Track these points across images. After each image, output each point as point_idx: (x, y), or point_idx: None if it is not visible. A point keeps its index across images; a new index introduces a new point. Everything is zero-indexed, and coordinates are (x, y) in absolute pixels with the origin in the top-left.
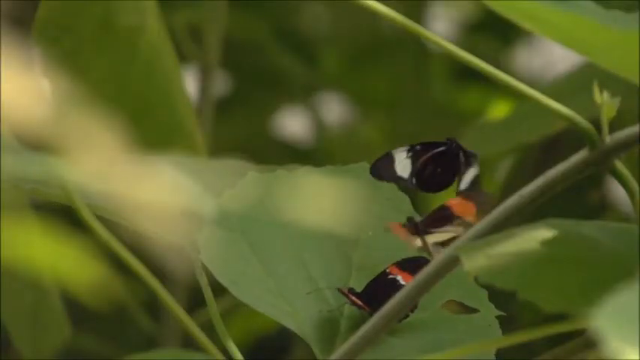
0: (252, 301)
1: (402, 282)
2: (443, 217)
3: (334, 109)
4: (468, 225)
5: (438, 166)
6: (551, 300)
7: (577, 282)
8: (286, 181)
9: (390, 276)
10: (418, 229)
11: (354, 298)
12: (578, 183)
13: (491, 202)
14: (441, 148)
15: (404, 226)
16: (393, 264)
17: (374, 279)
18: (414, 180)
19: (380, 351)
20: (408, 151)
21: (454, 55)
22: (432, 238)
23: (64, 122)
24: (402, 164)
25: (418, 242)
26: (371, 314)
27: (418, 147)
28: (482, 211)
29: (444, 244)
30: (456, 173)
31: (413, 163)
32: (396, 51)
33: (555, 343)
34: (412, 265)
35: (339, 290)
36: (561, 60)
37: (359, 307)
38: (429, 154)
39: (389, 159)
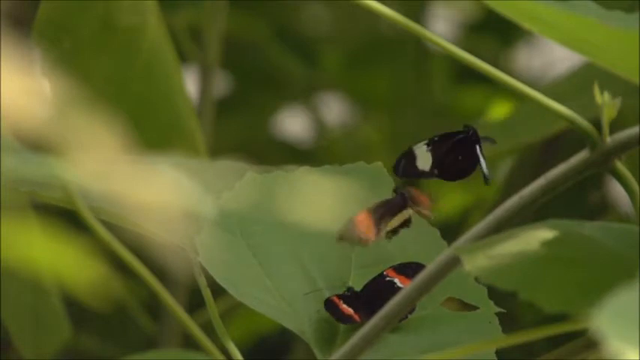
0: (251, 301)
1: (400, 285)
2: (396, 204)
3: (334, 109)
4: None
5: (459, 154)
6: (552, 300)
7: (578, 282)
8: (285, 182)
9: (388, 278)
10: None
11: (344, 306)
12: (579, 183)
13: (430, 203)
14: (461, 136)
15: (367, 214)
16: (391, 267)
17: (371, 281)
18: (436, 171)
19: (380, 349)
20: (428, 144)
21: (454, 55)
22: (388, 226)
23: (64, 122)
24: (424, 158)
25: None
26: (362, 322)
27: (437, 139)
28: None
29: (397, 228)
30: (476, 160)
31: (434, 155)
32: (396, 51)
33: (556, 344)
34: (409, 269)
35: (329, 301)
36: (561, 60)
37: (349, 318)
38: (449, 142)
39: (410, 156)
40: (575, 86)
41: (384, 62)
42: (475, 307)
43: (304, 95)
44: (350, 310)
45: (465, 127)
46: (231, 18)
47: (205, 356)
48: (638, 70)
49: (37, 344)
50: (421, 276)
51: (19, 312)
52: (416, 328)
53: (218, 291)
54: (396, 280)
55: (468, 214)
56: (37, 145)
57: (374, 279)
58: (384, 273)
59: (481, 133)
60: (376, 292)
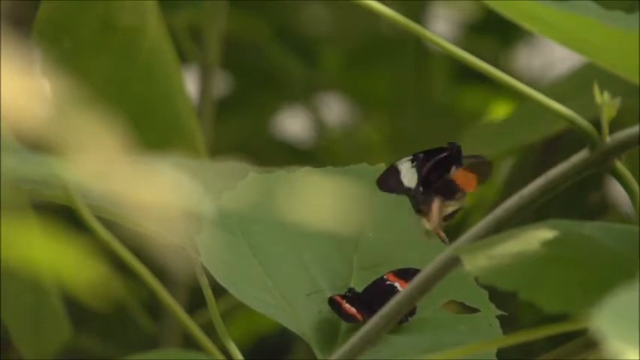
0: (252, 301)
1: (400, 289)
2: (447, 190)
3: (334, 109)
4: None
5: (444, 171)
6: (552, 300)
7: (578, 282)
8: (286, 182)
9: (388, 282)
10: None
11: (347, 306)
12: (579, 183)
13: (490, 170)
14: (444, 154)
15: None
16: (391, 272)
17: (372, 284)
18: (421, 189)
19: (380, 349)
20: (412, 160)
21: (454, 55)
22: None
23: (64, 122)
24: (409, 175)
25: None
26: (364, 322)
27: (421, 155)
28: (482, 179)
29: (448, 217)
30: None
31: (418, 172)
32: (396, 51)
33: (556, 344)
34: (409, 274)
35: (332, 300)
36: (561, 60)
37: (351, 317)
38: (433, 160)
39: (394, 172)
40: (575, 86)
41: (384, 62)
42: (476, 310)
43: (304, 95)
44: (352, 310)
45: (449, 143)
46: (231, 18)
47: (205, 356)
48: (638, 70)
49: (37, 344)
50: (421, 276)
51: (19, 312)
52: (417, 329)
53: (218, 291)
54: (397, 285)
55: (468, 214)
56: (37, 145)
57: (374, 282)
58: (385, 277)
59: (481, 134)
60: (377, 296)
